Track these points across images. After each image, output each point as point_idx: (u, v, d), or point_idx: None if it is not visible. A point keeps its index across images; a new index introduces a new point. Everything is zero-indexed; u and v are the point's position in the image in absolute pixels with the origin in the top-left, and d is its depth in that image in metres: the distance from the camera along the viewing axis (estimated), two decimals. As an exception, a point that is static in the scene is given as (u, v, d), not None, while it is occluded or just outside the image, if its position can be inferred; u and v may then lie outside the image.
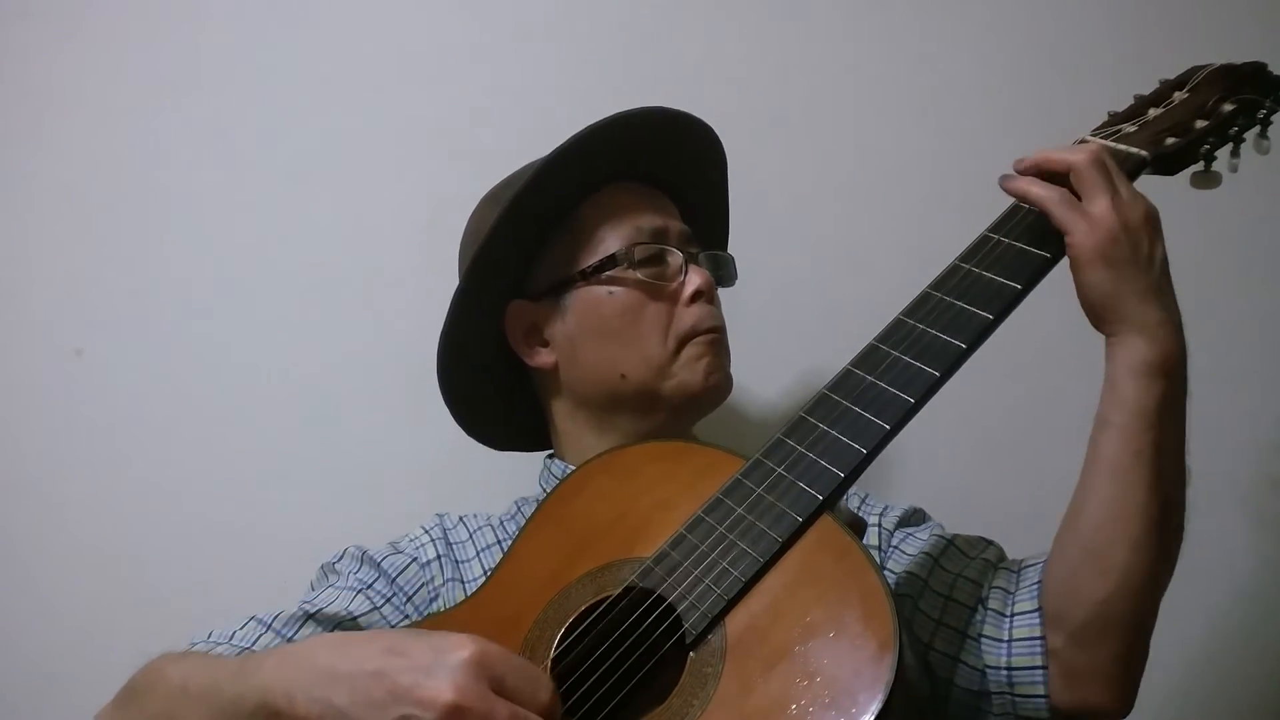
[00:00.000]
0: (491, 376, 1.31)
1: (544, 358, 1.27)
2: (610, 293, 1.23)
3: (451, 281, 1.25)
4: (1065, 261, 1.00)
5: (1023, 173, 1.03)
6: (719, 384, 1.23)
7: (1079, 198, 0.98)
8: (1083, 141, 1.07)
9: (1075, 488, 1.02)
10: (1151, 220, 0.99)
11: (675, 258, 1.24)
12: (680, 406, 1.23)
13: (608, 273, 1.22)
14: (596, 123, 1.20)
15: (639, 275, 1.22)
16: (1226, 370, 1.50)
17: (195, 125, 1.59)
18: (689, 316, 1.22)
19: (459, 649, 0.82)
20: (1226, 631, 1.54)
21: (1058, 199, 0.98)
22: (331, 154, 1.59)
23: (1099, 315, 0.99)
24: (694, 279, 1.24)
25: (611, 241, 1.24)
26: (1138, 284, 0.97)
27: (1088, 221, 0.96)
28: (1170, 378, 0.97)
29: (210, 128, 1.59)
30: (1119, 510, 0.97)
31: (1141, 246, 0.97)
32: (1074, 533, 1.00)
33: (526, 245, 1.26)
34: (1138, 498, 0.96)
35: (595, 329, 1.23)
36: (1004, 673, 1.04)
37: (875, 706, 0.81)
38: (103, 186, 1.59)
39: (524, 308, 1.27)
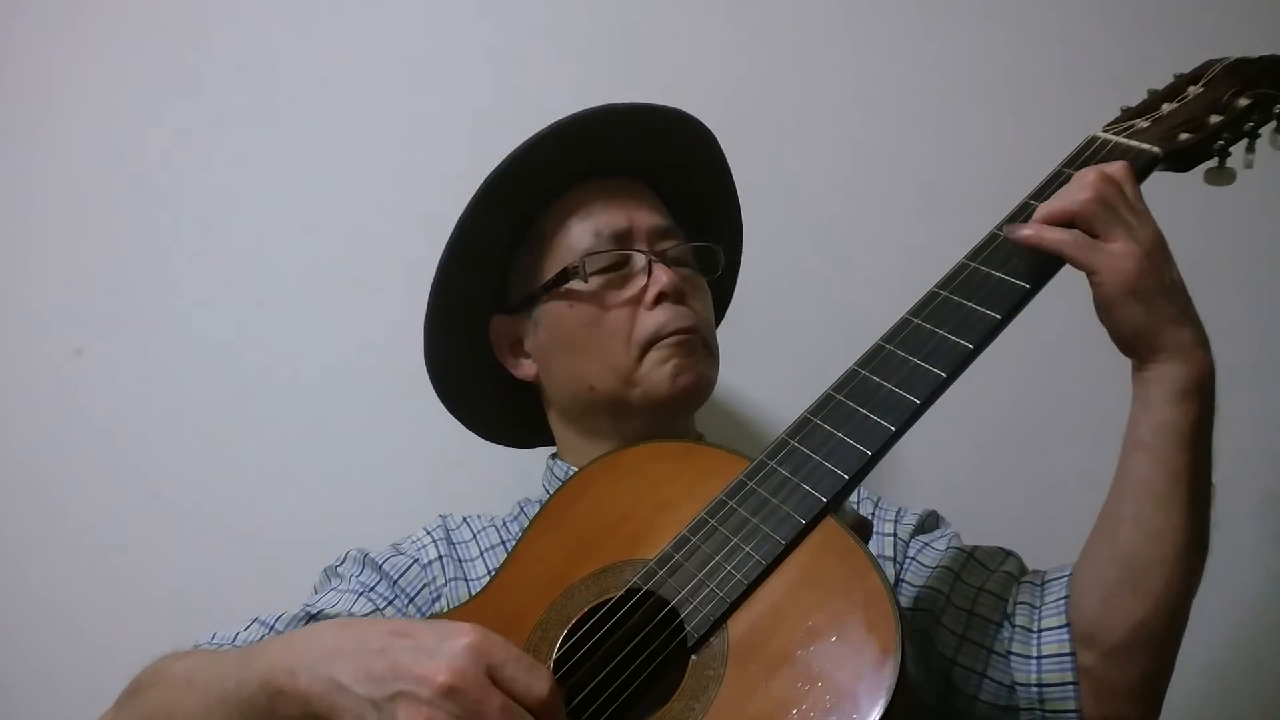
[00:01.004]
0: (495, 383, 1.32)
1: (527, 370, 1.28)
2: (570, 306, 1.22)
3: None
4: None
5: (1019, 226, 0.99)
6: (688, 385, 1.20)
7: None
8: (1093, 139, 1.06)
9: (1105, 507, 1.01)
10: (1163, 242, 0.97)
11: (638, 260, 1.22)
12: (653, 412, 1.21)
13: (565, 286, 1.21)
14: (540, 131, 1.20)
15: (594, 286, 1.21)
16: (1230, 373, 1.49)
17: (195, 125, 1.59)
18: (651, 321, 1.20)
19: (461, 634, 0.82)
20: (1235, 640, 1.53)
21: (1073, 241, 0.95)
22: (332, 154, 1.59)
23: (1134, 347, 0.97)
24: (658, 280, 1.20)
25: (570, 250, 1.22)
26: (1168, 310, 0.95)
27: (1111, 260, 0.94)
28: (1204, 397, 0.97)
29: (210, 128, 1.59)
30: (1157, 532, 0.97)
31: (1163, 272, 0.96)
32: (1110, 554, 0.99)
33: (496, 259, 1.26)
34: (1175, 520, 0.96)
35: (561, 342, 1.23)
36: (1034, 689, 1.03)
37: (877, 711, 0.80)
38: (103, 186, 1.58)
39: (504, 322, 1.28)
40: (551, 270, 1.22)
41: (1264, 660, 1.54)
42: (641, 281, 1.21)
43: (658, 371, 1.19)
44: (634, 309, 1.20)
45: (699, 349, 1.22)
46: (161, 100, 1.59)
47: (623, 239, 1.23)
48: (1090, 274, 0.95)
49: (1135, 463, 0.98)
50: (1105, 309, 0.96)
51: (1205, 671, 1.50)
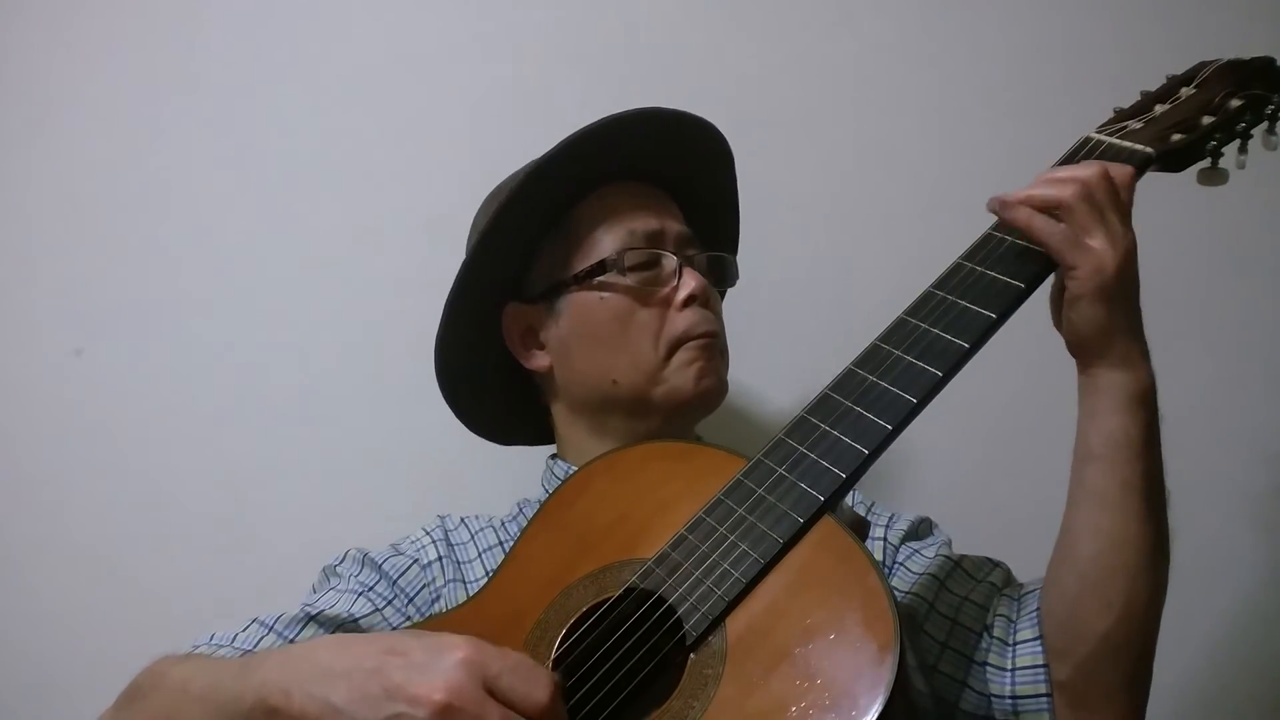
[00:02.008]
0: (494, 376, 1.31)
1: (539, 361, 1.27)
2: (602, 298, 1.22)
3: (452, 280, 1.25)
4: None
5: (1010, 203, 0.99)
6: (710, 388, 1.22)
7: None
8: (1087, 140, 1.06)
9: (1065, 520, 1.02)
10: (1135, 254, 0.98)
11: (669, 261, 1.23)
12: (673, 411, 1.22)
13: (599, 278, 1.22)
14: (588, 126, 1.20)
15: (630, 281, 1.21)
16: (1233, 377, 1.50)
17: (195, 125, 1.59)
18: (681, 321, 1.21)
19: (454, 649, 0.82)
20: (1232, 638, 1.53)
21: (1059, 234, 0.96)
22: (332, 153, 1.59)
23: (1086, 348, 0.99)
24: (688, 283, 1.22)
25: (604, 245, 1.23)
26: (1127, 320, 0.97)
27: (1092, 257, 0.95)
28: (1149, 407, 0.98)
29: (210, 127, 1.59)
30: (1114, 541, 0.97)
31: (1131, 282, 0.97)
32: (1070, 566, 1.00)
33: (523, 247, 1.26)
34: (1131, 528, 0.97)
35: (587, 334, 1.23)
36: (1008, 701, 1.05)
37: (876, 708, 0.81)
38: (103, 186, 1.58)
39: (520, 310, 1.28)
40: (582, 263, 1.23)
41: (1262, 659, 1.54)
42: (671, 283, 1.22)
43: (682, 373, 1.20)
44: (664, 309, 1.22)
45: (719, 355, 1.24)
46: (161, 100, 1.59)
47: (655, 240, 1.24)
48: (1068, 269, 0.96)
49: (1087, 474, 0.99)
50: (1072, 304, 0.97)
51: (1204, 671, 1.51)
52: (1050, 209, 0.97)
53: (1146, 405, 0.98)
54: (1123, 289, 0.96)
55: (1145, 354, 0.99)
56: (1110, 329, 0.96)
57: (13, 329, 1.56)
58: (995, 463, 1.55)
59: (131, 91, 1.59)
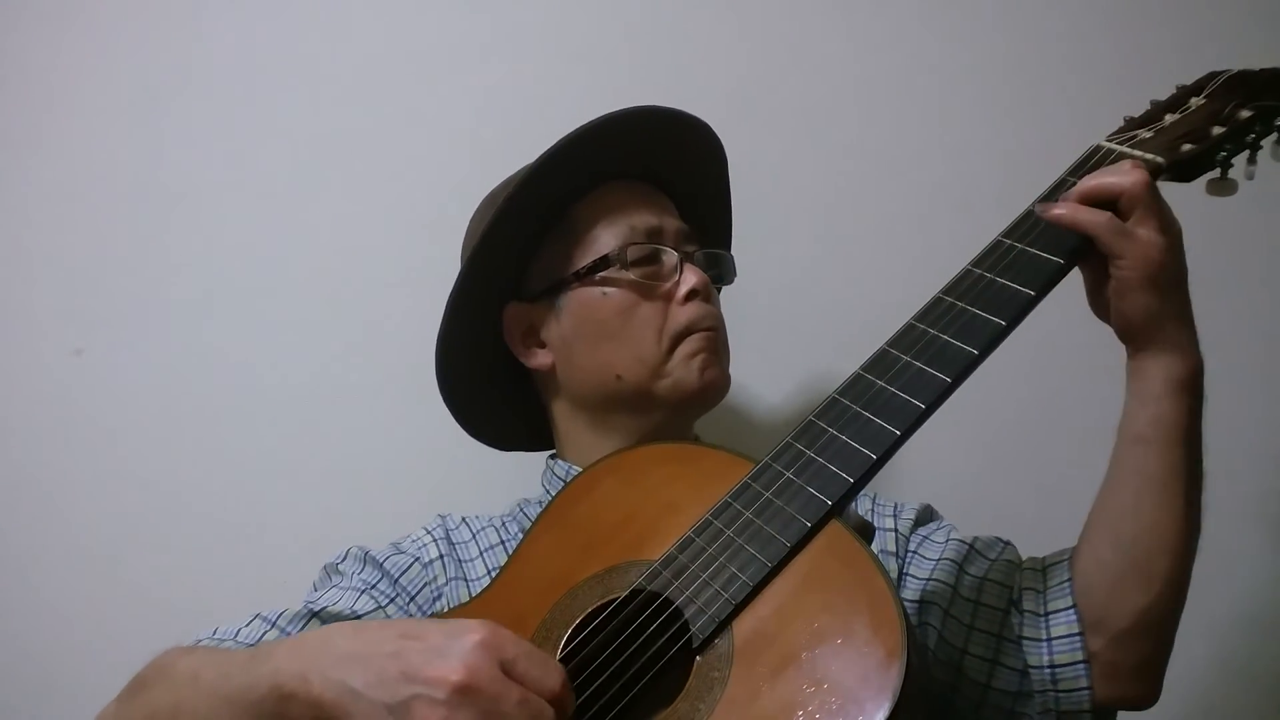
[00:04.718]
0: (492, 378, 1.32)
1: (541, 359, 1.27)
2: (604, 293, 1.22)
3: (453, 281, 1.25)
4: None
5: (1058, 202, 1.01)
6: (714, 380, 1.23)
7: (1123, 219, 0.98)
8: (1098, 148, 1.06)
9: (1102, 498, 1.05)
10: (1181, 240, 1.00)
11: (670, 257, 1.24)
12: (677, 405, 1.23)
13: (601, 273, 1.22)
14: (587, 124, 1.21)
15: (632, 275, 1.22)
16: (1234, 375, 1.50)
17: (195, 125, 1.59)
18: (683, 315, 1.22)
19: (472, 632, 0.82)
20: (1234, 636, 1.54)
21: (1107, 224, 0.97)
22: (332, 153, 1.59)
23: (1137, 334, 1.00)
24: (689, 278, 1.23)
25: (605, 241, 1.24)
26: (1176, 305, 0.99)
27: (1139, 247, 0.96)
28: (1197, 391, 1.01)
29: (210, 127, 1.59)
30: (1160, 522, 1.01)
31: (1181, 267, 1.00)
32: (1113, 545, 1.03)
33: (522, 247, 1.26)
34: (1176, 509, 1.00)
35: (590, 330, 1.23)
36: (1047, 671, 1.06)
37: (882, 714, 0.80)
38: (103, 186, 1.58)
39: (521, 310, 1.28)
40: (583, 260, 1.23)
41: (1265, 659, 1.55)
42: (672, 279, 1.23)
43: (686, 365, 1.21)
44: (665, 304, 1.22)
45: (721, 348, 1.25)
46: (162, 99, 1.59)
47: (655, 236, 1.25)
48: (1115, 258, 0.97)
49: (1135, 456, 1.02)
50: (1120, 294, 0.99)
51: (1207, 668, 1.52)
52: (1110, 198, 0.98)
53: (1194, 390, 1.00)
54: (1173, 275, 0.98)
55: (1194, 340, 1.01)
56: (1160, 315, 0.98)
57: (13, 329, 1.56)
58: (997, 463, 1.56)
59: (132, 91, 1.59)
